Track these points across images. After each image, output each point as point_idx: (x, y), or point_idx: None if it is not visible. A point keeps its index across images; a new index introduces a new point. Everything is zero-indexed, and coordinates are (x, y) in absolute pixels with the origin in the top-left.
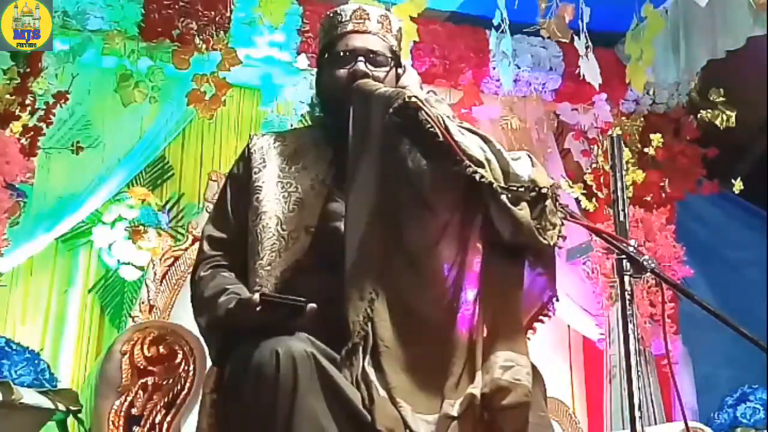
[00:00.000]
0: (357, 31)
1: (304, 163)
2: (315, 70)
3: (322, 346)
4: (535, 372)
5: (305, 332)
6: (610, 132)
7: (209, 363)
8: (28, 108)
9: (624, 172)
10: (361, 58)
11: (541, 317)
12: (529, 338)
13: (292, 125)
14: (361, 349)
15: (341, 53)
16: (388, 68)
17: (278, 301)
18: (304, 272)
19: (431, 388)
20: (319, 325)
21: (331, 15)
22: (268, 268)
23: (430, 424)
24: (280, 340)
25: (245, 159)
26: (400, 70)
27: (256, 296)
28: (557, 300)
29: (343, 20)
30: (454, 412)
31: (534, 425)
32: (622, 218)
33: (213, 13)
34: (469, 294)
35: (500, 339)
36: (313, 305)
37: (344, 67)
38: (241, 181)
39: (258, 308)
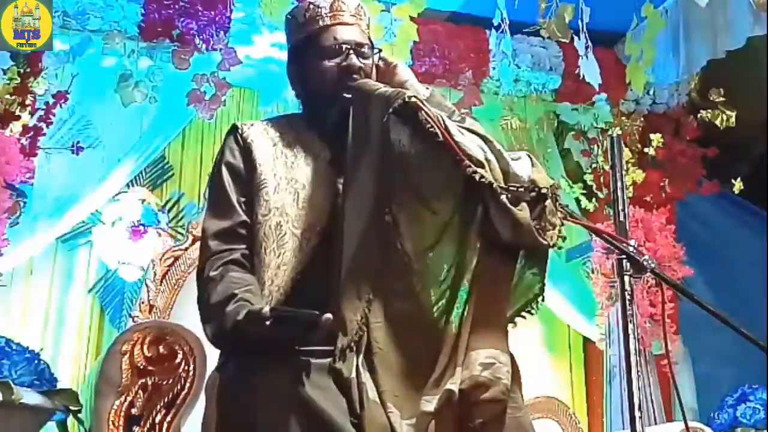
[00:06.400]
0: (340, 23)
1: (304, 159)
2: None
3: (326, 351)
4: (512, 363)
5: (319, 344)
6: (610, 132)
7: (209, 362)
8: (28, 108)
9: (624, 172)
10: (351, 52)
11: (522, 313)
12: (507, 331)
13: None
14: (355, 348)
15: (329, 46)
16: (371, 60)
17: (290, 316)
18: (317, 274)
19: (422, 391)
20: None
21: (307, 7)
22: (285, 267)
23: (413, 426)
24: (266, 374)
25: (242, 148)
26: (380, 61)
27: (267, 309)
28: (543, 300)
29: (323, 13)
30: (431, 408)
31: (510, 408)
32: (622, 218)
33: (213, 13)
34: (464, 293)
35: (483, 335)
36: (329, 316)
37: (333, 59)
38: (242, 171)
39: (268, 322)
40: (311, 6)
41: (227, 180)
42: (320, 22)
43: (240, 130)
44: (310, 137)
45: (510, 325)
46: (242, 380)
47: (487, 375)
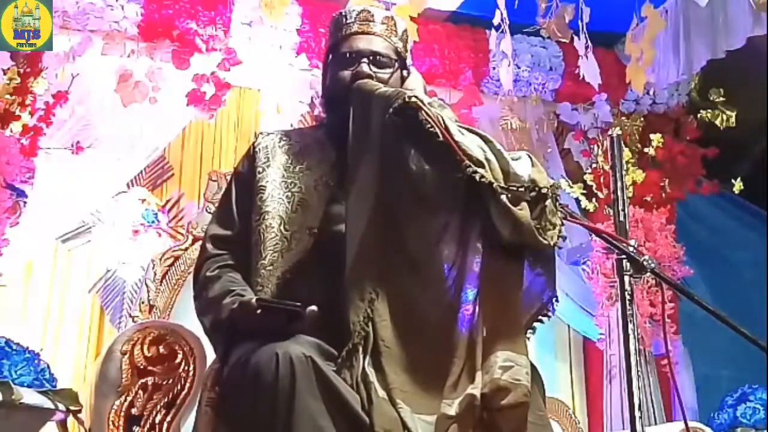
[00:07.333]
0: (362, 32)
1: (308, 163)
2: (315, 70)
3: (323, 346)
4: (534, 371)
5: (306, 335)
6: (610, 132)
7: (209, 362)
8: (28, 108)
9: (624, 172)
10: (365, 60)
11: (540, 317)
12: (528, 338)
13: (292, 125)
14: (361, 349)
15: (345, 54)
16: (392, 70)
17: (274, 306)
18: (306, 274)
19: (431, 388)
20: (320, 327)
21: (337, 17)
22: (270, 268)
23: (430, 424)
24: (279, 342)
25: (250, 157)
26: (404, 72)
27: (254, 299)
28: (557, 301)
29: (347, 22)
30: (452, 412)
31: (532, 424)
32: (622, 218)
33: (213, 13)
34: (469, 294)
35: (500, 339)
36: (314, 308)
37: (348, 68)
38: (245, 180)
39: (258, 311)
40: (339, 16)
41: (233, 189)
42: (344, 31)
43: (255, 138)
44: (321, 142)
45: (529, 332)
46: (254, 354)
47: (507, 378)
